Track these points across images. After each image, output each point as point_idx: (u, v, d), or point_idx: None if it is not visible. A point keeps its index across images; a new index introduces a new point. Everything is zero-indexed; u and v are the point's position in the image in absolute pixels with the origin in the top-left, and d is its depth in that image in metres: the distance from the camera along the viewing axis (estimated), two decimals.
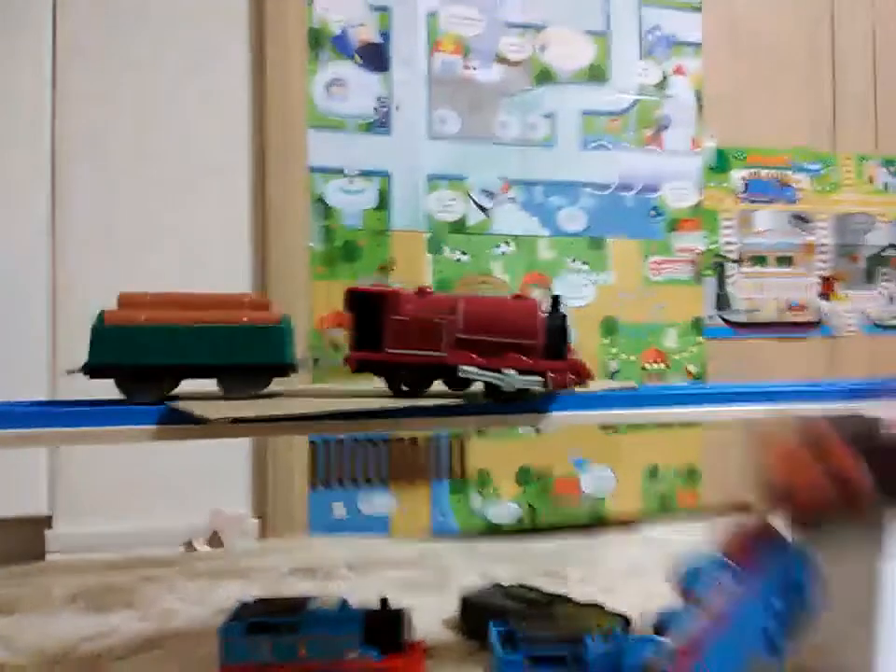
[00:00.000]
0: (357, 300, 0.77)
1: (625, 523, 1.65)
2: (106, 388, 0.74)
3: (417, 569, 1.38)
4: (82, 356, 0.73)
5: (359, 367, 0.76)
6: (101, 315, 0.76)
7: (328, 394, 0.84)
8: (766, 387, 0.98)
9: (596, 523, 1.66)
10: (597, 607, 1.09)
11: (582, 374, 0.76)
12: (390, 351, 0.75)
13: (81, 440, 0.71)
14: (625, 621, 1.05)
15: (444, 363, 0.75)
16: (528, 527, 1.63)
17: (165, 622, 1.14)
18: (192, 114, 1.48)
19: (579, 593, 1.17)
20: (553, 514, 1.65)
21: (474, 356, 0.74)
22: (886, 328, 1.92)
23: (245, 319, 0.77)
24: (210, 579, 1.30)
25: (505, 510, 1.63)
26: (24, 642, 1.05)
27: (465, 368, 0.74)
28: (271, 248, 1.51)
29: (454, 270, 1.60)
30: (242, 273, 1.50)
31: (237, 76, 1.50)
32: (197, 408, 0.67)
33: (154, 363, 0.75)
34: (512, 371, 0.74)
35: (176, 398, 0.76)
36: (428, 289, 0.78)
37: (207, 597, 1.23)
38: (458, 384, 0.77)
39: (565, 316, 0.78)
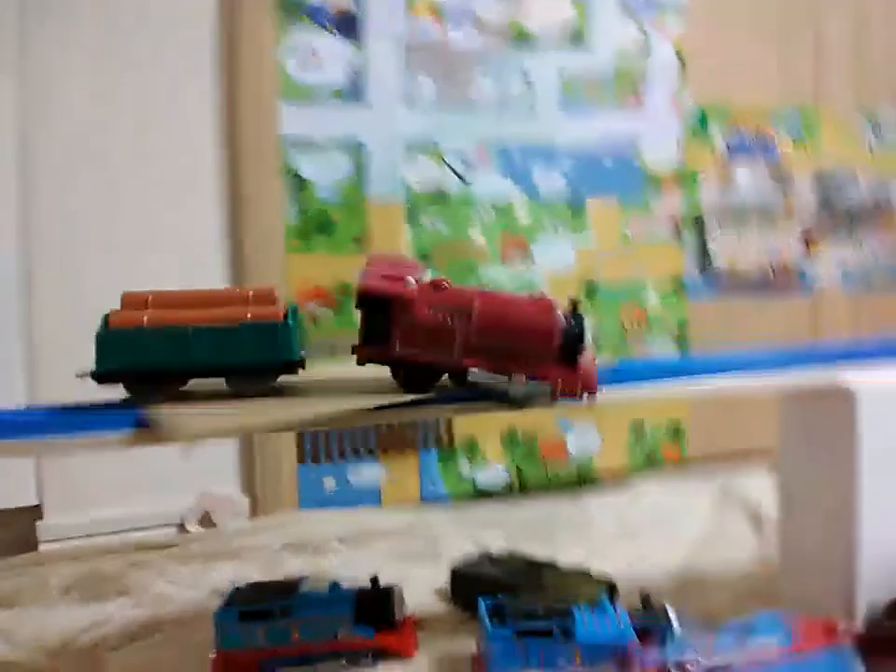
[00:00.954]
0: (367, 299, 0.75)
1: (613, 480, 1.68)
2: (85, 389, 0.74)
3: (408, 540, 1.40)
4: (64, 355, 0.73)
5: (367, 362, 0.76)
6: (105, 319, 0.76)
7: (324, 386, 0.82)
8: (754, 356, 0.97)
9: (584, 482, 1.68)
10: (585, 573, 1.11)
11: (591, 387, 0.76)
12: (400, 352, 0.74)
13: (55, 450, 0.71)
14: (612, 588, 1.07)
15: (455, 367, 0.75)
16: (517, 490, 1.65)
17: (160, 607, 1.16)
18: (161, 90, 1.43)
19: (568, 555, 1.20)
20: (542, 476, 1.67)
21: (485, 361, 0.74)
22: (867, 285, 1.93)
23: (248, 317, 0.77)
24: (203, 561, 1.31)
25: (493, 474, 1.65)
26: (23, 636, 1.06)
27: (474, 372, 0.74)
28: (245, 223, 1.47)
29: (432, 239, 1.58)
30: (216, 247, 1.47)
31: (206, 49, 1.46)
32: (171, 417, 0.67)
33: (160, 366, 0.76)
34: (522, 378, 0.74)
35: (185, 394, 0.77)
36: (444, 283, 0.76)
37: (201, 580, 1.24)
38: (467, 384, 0.77)
39: (582, 321, 0.77)
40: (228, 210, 1.48)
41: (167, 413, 0.70)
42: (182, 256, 1.43)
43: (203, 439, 0.67)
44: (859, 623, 0.85)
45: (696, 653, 0.82)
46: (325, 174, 1.51)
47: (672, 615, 0.93)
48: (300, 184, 1.50)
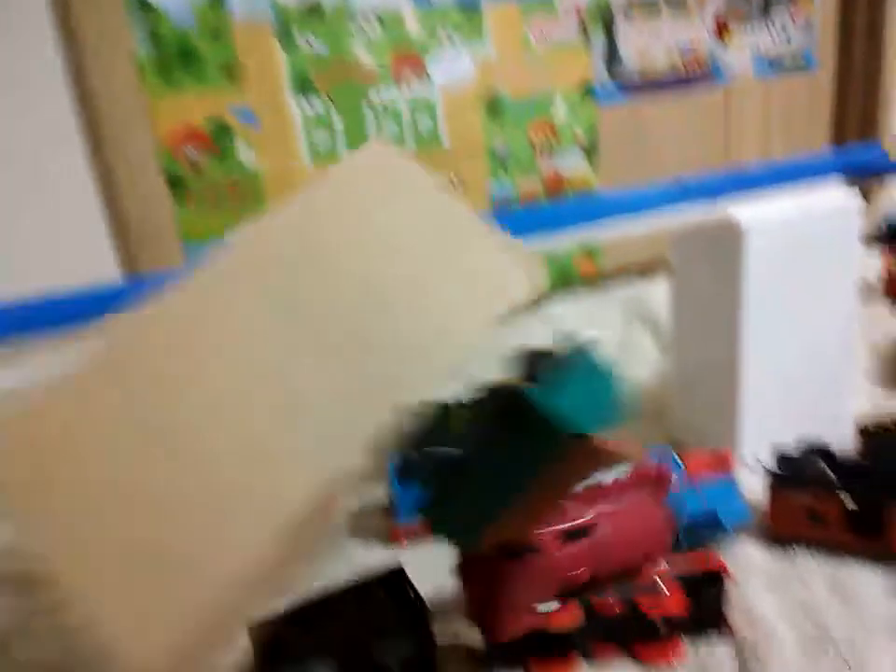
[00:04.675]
0: None
1: (528, 303, 1.68)
2: None
3: None
4: None
5: None
6: None
7: None
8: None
9: None
10: None
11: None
12: None
13: None
14: None
15: None
16: None
17: None
18: None
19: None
20: None
21: None
22: (780, 68, 1.84)
23: None
24: None
25: None
26: None
27: None
28: (87, 60, 1.27)
29: (311, 62, 1.41)
30: (58, 94, 1.28)
31: None
32: None
33: None
34: None
35: None
36: None
37: None
38: None
39: None
40: (65, 50, 1.27)
41: None
42: (19, 104, 1.25)
43: None
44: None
45: None
46: None
47: None
48: (147, 11, 1.28)
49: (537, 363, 0.64)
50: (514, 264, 0.64)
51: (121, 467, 0.50)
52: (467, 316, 0.60)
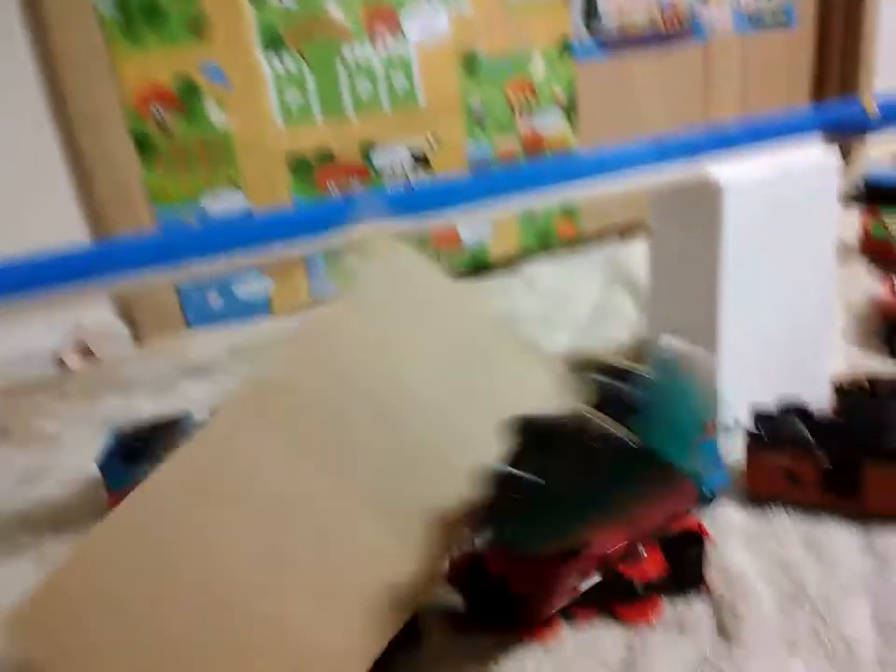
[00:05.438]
0: None
1: (507, 266, 1.67)
2: None
3: None
4: None
5: None
6: None
7: None
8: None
9: (479, 269, 1.67)
10: None
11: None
12: None
13: None
14: None
15: None
16: None
17: (49, 448, 1.14)
18: None
19: None
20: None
21: None
22: (759, 24, 1.82)
23: None
24: (90, 396, 1.28)
25: None
26: None
27: None
28: (48, 19, 1.21)
29: (281, 18, 1.36)
30: (20, 55, 1.23)
31: None
32: None
33: None
34: None
35: None
36: None
37: (90, 416, 1.21)
38: None
39: None
40: (24, 7, 1.22)
41: None
42: None
43: None
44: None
45: None
46: None
47: None
48: None
49: (615, 384, 0.61)
50: (540, 374, 0.61)
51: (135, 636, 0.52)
52: (494, 435, 0.57)
